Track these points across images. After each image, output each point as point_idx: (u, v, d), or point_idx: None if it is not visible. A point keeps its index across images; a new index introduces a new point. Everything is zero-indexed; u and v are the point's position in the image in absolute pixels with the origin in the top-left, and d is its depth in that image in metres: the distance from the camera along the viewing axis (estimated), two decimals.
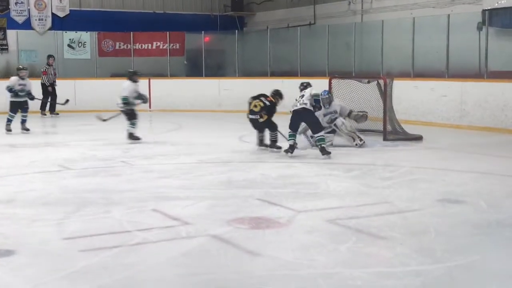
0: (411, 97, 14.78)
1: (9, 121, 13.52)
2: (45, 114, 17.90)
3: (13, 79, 13.82)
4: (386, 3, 17.70)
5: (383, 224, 5.80)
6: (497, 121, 13.08)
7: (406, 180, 8.09)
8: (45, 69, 18.02)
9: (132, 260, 4.78)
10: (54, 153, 10.50)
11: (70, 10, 20.98)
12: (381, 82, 12.04)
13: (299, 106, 9.96)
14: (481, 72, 13.93)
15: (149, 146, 11.31)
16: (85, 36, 20.38)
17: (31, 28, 20.39)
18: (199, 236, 5.43)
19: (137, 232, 5.52)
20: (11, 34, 19.87)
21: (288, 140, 9.99)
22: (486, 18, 13.83)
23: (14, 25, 20.08)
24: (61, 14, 20.87)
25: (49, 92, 17.83)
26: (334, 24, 18.41)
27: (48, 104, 17.82)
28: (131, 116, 11.80)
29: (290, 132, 10.02)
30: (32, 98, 13.91)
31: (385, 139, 11.58)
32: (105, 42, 20.50)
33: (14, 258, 4.85)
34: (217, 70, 20.96)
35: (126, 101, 11.79)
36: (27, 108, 13.77)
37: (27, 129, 13.55)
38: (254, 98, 10.62)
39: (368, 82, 12.39)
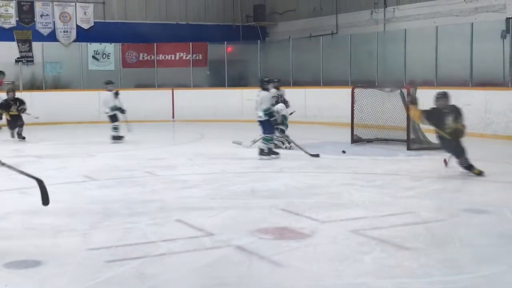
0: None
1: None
2: None
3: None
4: (409, 12, 17.64)
5: (407, 234, 5.78)
6: None
7: (430, 190, 8.05)
8: None
9: (156, 271, 4.81)
10: (79, 164, 10.62)
11: (95, 22, 21.23)
12: (404, 91, 11.99)
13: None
14: (505, 81, 13.81)
15: (172, 156, 11.39)
16: (109, 47, 20.60)
17: (56, 40, 20.65)
18: (223, 247, 5.45)
19: (161, 243, 5.56)
20: (36, 46, 20.11)
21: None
22: (510, 26, 13.73)
23: (39, 37, 20.33)
24: (85, 26, 21.10)
25: None
26: (357, 33, 18.38)
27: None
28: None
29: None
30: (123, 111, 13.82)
31: (408, 148, 11.53)
32: (129, 53, 20.70)
33: (41, 269, 4.90)
34: (239, 80, 21.04)
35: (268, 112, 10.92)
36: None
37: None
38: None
39: (391, 91, 12.36)
